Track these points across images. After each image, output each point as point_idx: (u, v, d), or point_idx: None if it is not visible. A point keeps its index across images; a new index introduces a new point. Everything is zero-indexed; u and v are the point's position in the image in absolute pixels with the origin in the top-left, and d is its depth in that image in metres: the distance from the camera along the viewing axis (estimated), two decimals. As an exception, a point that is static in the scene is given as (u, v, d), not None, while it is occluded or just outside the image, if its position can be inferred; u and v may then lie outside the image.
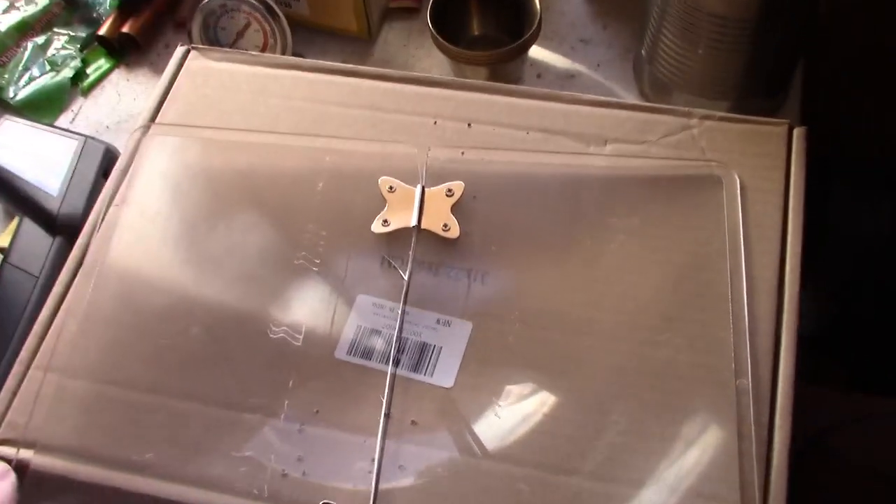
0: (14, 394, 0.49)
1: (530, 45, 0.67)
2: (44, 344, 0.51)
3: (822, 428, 0.83)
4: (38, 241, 0.62)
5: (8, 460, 0.46)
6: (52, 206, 0.64)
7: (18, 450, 0.47)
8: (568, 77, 0.71)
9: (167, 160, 0.57)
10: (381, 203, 0.53)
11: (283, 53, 0.71)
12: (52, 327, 0.51)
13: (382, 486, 0.45)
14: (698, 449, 0.45)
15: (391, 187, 0.53)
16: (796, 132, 0.54)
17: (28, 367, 0.50)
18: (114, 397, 0.49)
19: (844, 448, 0.83)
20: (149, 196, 0.56)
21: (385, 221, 0.52)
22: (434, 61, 0.73)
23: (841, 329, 0.88)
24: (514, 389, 0.47)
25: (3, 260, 0.63)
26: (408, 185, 0.53)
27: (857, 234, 0.88)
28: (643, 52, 0.66)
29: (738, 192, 0.52)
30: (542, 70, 0.72)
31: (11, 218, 0.68)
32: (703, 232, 0.51)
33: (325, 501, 0.44)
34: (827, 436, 0.83)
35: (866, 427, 0.84)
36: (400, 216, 0.52)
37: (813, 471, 0.80)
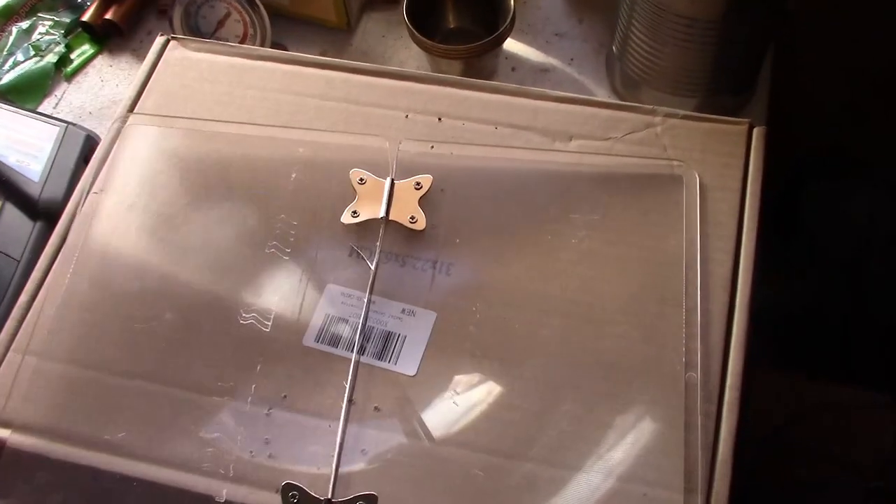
0: (-7, 375, 0.51)
1: (504, 39, 0.68)
2: (22, 327, 0.52)
3: (787, 416, 0.85)
4: (19, 226, 0.64)
5: (-15, 439, 0.48)
6: (34, 191, 0.65)
7: (-4, 429, 0.49)
8: (542, 71, 0.73)
9: (145, 149, 0.59)
10: (352, 194, 0.55)
11: (263, 44, 0.72)
12: (31, 311, 0.53)
13: (344, 469, 0.47)
14: (646, 437, 0.47)
15: (361, 179, 0.55)
16: (756, 132, 0.56)
17: (7, 350, 0.52)
18: (89, 379, 0.50)
19: (807, 436, 0.85)
20: (126, 184, 0.57)
21: (355, 213, 0.54)
22: (412, 52, 0.75)
23: (810, 319, 0.90)
24: (472, 378, 0.49)
25: (-15, 244, 0.64)
26: (378, 178, 0.55)
27: (829, 226, 0.90)
28: (614, 48, 0.68)
29: (698, 190, 0.53)
30: (516, 64, 0.73)
31: (-6, 202, 0.69)
32: (662, 228, 0.53)
33: (287, 482, 0.46)
34: (791, 424, 0.85)
35: (828, 415, 0.86)
36: (369, 208, 0.54)
37: (777, 457, 0.82)
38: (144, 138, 0.59)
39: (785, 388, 0.88)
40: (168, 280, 0.54)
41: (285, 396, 0.49)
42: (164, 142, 0.59)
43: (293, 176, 0.56)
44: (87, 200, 0.57)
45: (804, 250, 0.88)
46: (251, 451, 0.48)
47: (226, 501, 0.46)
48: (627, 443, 0.47)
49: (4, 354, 0.52)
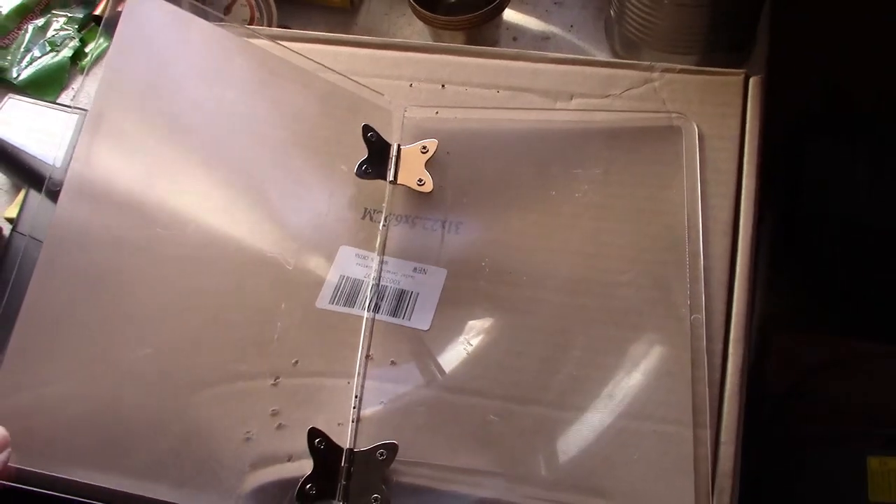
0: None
1: (504, 8, 0.69)
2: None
3: (803, 371, 0.86)
4: (44, 211, 0.66)
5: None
6: (57, 177, 0.67)
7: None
8: (543, 39, 0.74)
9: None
10: (363, 147, 0.56)
11: (270, 24, 0.74)
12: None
13: (364, 419, 0.49)
14: (654, 377, 0.48)
15: (371, 135, 0.56)
16: (752, 81, 0.57)
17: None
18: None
19: (824, 390, 0.85)
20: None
21: (367, 169, 0.55)
22: (415, 28, 0.76)
23: (825, 274, 0.91)
24: (484, 330, 0.51)
25: (13, 229, 0.67)
26: (386, 139, 0.56)
27: (834, 179, 0.90)
28: (612, 12, 0.69)
29: (697, 140, 0.55)
30: (517, 33, 0.75)
31: (18, 190, 0.72)
32: (663, 179, 0.54)
33: (313, 427, 0.47)
34: (807, 378, 0.86)
35: (847, 370, 0.86)
36: (378, 167, 0.56)
37: (794, 411, 0.83)
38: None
39: (798, 347, 0.89)
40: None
41: (296, 362, 0.51)
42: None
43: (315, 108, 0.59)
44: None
45: (807, 208, 0.89)
46: (247, 432, 0.49)
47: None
48: (636, 383, 0.48)
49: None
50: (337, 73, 0.58)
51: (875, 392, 0.84)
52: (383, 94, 0.58)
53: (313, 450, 0.47)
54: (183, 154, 0.57)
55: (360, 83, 0.59)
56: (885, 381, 0.86)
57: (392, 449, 0.47)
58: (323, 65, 0.59)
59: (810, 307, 0.89)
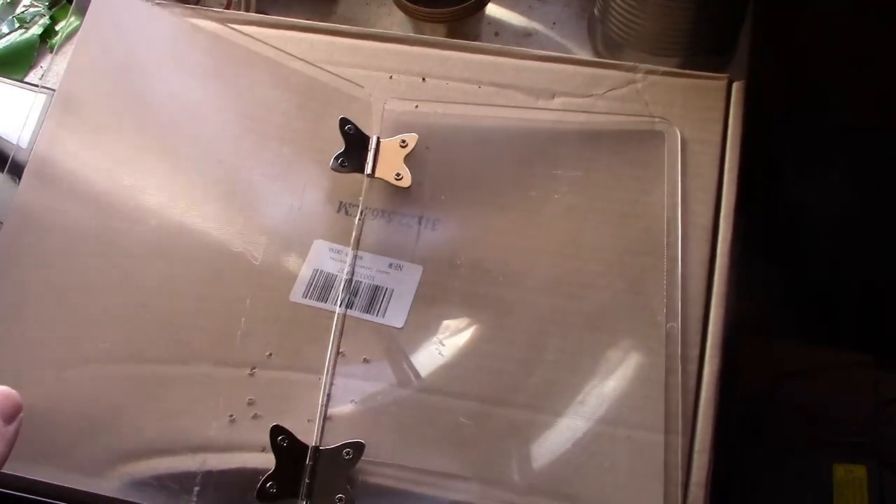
0: None
1: (486, 3, 0.68)
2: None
3: (773, 378, 0.86)
4: (6, 191, 0.64)
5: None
6: (22, 158, 0.65)
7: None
8: (525, 35, 0.73)
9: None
10: (340, 142, 0.55)
11: (248, 9, 0.73)
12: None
13: (332, 417, 0.48)
14: (628, 383, 0.48)
15: (349, 128, 0.55)
16: (735, 86, 0.56)
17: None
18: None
19: (793, 396, 0.86)
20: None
21: (342, 162, 0.54)
22: (395, 20, 0.75)
23: (796, 281, 0.91)
24: (459, 329, 0.50)
25: (-26, 211, 0.65)
26: (364, 132, 0.55)
27: (813, 185, 0.91)
28: (596, 11, 0.68)
29: (679, 144, 0.54)
30: (499, 28, 0.74)
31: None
32: (644, 182, 0.53)
33: (276, 425, 0.46)
34: (777, 385, 0.86)
35: (814, 377, 0.87)
36: (356, 160, 0.54)
37: (762, 417, 0.83)
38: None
39: (769, 353, 0.89)
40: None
41: (270, 354, 0.50)
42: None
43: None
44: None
45: (782, 214, 0.89)
46: (231, 415, 0.48)
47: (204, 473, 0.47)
48: (610, 388, 0.48)
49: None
50: (314, 65, 0.57)
51: (842, 401, 0.85)
52: (363, 87, 0.57)
53: (276, 447, 0.46)
54: (151, 143, 0.56)
55: (338, 75, 0.58)
56: (852, 389, 0.86)
57: (359, 448, 0.46)
58: (299, 58, 0.58)
59: (780, 314, 0.89)
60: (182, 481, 0.47)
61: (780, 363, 0.90)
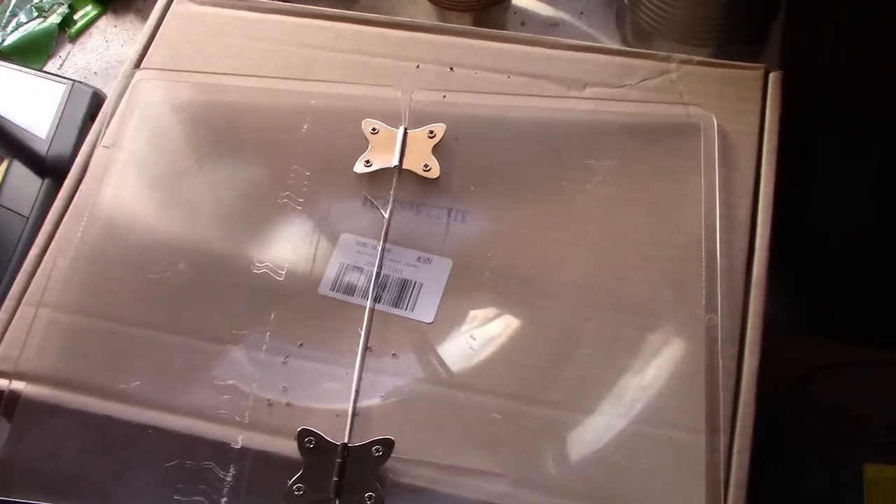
0: (5, 328, 0.51)
1: (514, -8, 0.67)
2: (34, 280, 0.52)
3: (801, 374, 0.84)
4: (27, 183, 0.63)
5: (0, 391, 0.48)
6: (41, 148, 0.64)
7: (11, 381, 0.48)
8: (551, 25, 0.72)
9: (154, 103, 0.58)
10: (365, 144, 0.54)
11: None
12: (42, 264, 0.52)
13: (361, 414, 0.46)
14: (667, 380, 0.46)
15: (374, 129, 0.54)
16: (772, 76, 0.55)
17: (19, 303, 0.51)
18: (102, 330, 0.50)
19: (821, 393, 0.84)
20: (137, 138, 0.56)
21: (367, 162, 0.53)
22: (420, 8, 0.74)
23: (824, 276, 0.89)
24: (490, 324, 0.49)
25: (-7, 202, 0.64)
26: (390, 127, 0.54)
27: (842, 180, 0.89)
28: (625, -1, 0.67)
29: (716, 134, 0.53)
30: (525, 18, 0.72)
31: (0, 161, 0.69)
32: (680, 173, 0.52)
33: (302, 428, 0.45)
34: (805, 382, 0.85)
35: (843, 374, 0.85)
36: (382, 157, 0.53)
37: (790, 414, 0.82)
38: (153, 93, 0.58)
39: (797, 350, 0.88)
40: (180, 231, 0.53)
41: (301, 345, 0.49)
42: (172, 96, 0.58)
43: (305, 127, 0.56)
44: (95, 155, 0.56)
45: (811, 208, 0.88)
46: (268, 400, 0.47)
47: (242, 448, 0.46)
48: (648, 386, 0.46)
49: (17, 307, 0.51)
50: (337, 82, 0.58)
51: (872, 399, 0.83)
52: (390, 85, 0.56)
53: (303, 450, 0.45)
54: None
55: (363, 85, 0.57)
56: (883, 388, 0.84)
57: (388, 445, 0.45)
58: (318, 79, 0.58)
59: (809, 310, 0.88)
60: (219, 457, 0.46)
61: (805, 361, 0.88)
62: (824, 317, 0.89)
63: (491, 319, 0.49)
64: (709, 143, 0.52)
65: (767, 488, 0.77)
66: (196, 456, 0.46)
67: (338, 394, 0.47)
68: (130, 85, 0.58)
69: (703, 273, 0.48)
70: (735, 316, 0.48)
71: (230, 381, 0.48)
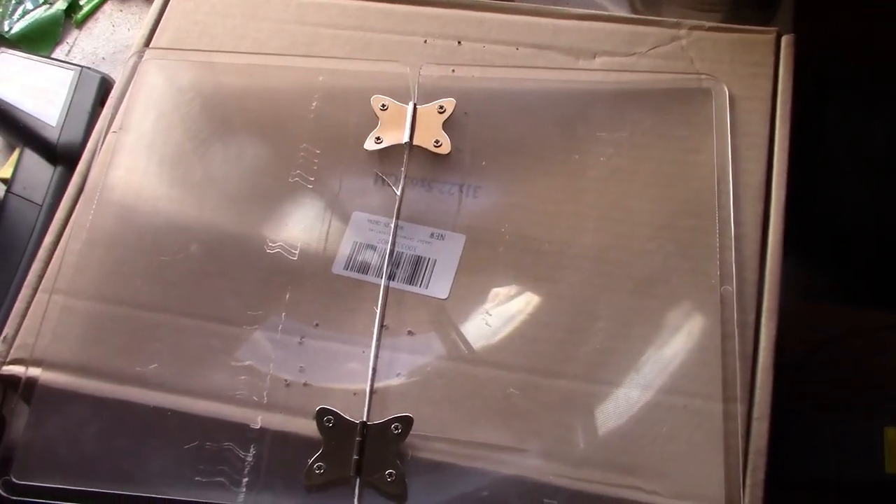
0: (23, 316, 0.50)
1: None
2: (49, 268, 0.52)
3: (818, 341, 0.84)
4: (39, 171, 0.63)
5: (17, 378, 0.48)
6: (52, 135, 0.64)
7: (27, 368, 0.48)
8: (559, -5, 0.71)
9: (162, 85, 0.58)
10: (374, 121, 0.54)
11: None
12: (56, 252, 0.52)
13: (379, 392, 0.46)
14: (683, 350, 0.46)
15: (383, 105, 0.54)
16: (784, 40, 0.54)
17: (35, 291, 0.51)
18: (117, 315, 0.50)
19: (838, 359, 0.84)
20: (145, 121, 0.56)
21: (378, 139, 0.53)
22: (426, -18, 0.73)
23: (836, 242, 0.89)
24: (505, 299, 0.49)
25: (7, 190, 0.64)
26: (400, 103, 0.54)
27: (854, 144, 0.88)
28: (634, -34, 0.66)
29: (727, 101, 0.52)
30: (532, -12, 0.72)
31: (13, 150, 0.69)
32: (692, 142, 0.52)
33: (321, 407, 0.45)
34: (822, 348, 0.84)
35: (860, 340, 0.85)
36: (392, 133, 0.53)
37: (805, 382, 0.81)
38: (160, 74, 0.58)
39: (812, 317, 0.87)
40: (192, 213, 0.53)
41: (317, 324, 0.49)
42: (180, 77, 0.58)
43: (314, 105, 0.55)
44: (105, 140, 0.56)
45: (826, 177, 0.87)
46: (286, 380, 0.47)
47: (261, 429, 0.46)
48: (664, 356, 0.46)
49: (33, 295, 0.51)
50: (342, 59, 0.57)
51: (890, 364, 0.83)
52: (397, 61, 0.56)
53: (322, 429, 0.45)
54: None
55: (371, 61, 0.57)
56: (896, 353, 0.84)
57: (407, 422, 0.45)
58: (324, 56, 0.58)
59: (824, 276, 0.87)
60: (239, 437, 0.46)
61: (822, 327, 0.88)
62: (839, 283, 0.89)
63: (506, 294, 0.49)
64: (720, 110, 0.52)
65: (787, 455, 0.77)
66: (216, 437, 0.46)
67: (355, 372, 0.47)
68: (138, 66, 0.58)
69: (718, 242, 0.48)
70: (752, 284, 0.47)
71: (247, 363, 0.48)
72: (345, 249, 0.51)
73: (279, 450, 0.46)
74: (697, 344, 0.46)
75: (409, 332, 0.48)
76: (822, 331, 0.86)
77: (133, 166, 0.55)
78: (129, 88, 0.57)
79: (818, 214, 0.87)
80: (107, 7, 0.78)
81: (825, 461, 0.75)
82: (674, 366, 0.46)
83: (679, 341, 0.46)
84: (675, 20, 0.56)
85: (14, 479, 0.45)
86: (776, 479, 0.45)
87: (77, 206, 0.54)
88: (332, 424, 0.45)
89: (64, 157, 0.64)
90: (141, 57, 0.58)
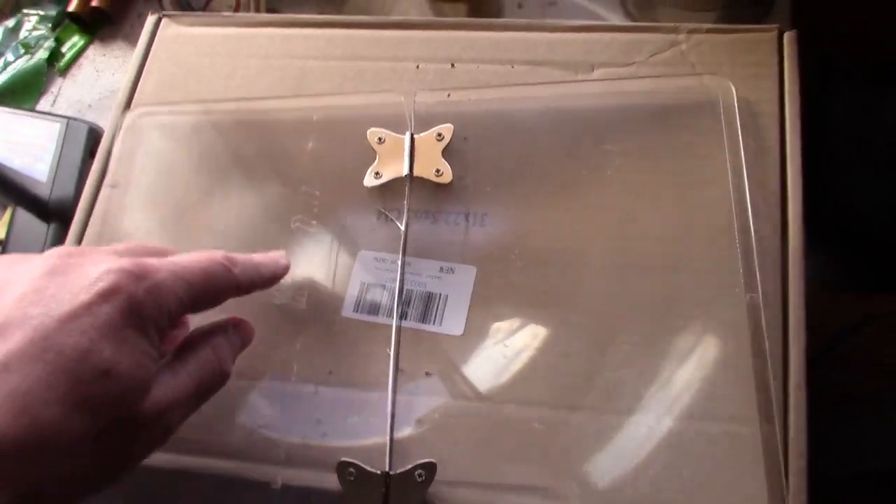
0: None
1: (507, -25, 0.65)
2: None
3: (833, 333, 0.83)
4: (33, 229, 0.62)
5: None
6: (43, 192, 0.63)
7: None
8: (550, 4, 0.69)
9: (152, 138, 0.56)
10: (372, 155, 0.52)
11: (258, 10, 0.70)
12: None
13: (399, 439, 0.45)
14: (712, 371, 0.44)
15: (380, 138, 0.52)
16: (787, 36, 0.52)
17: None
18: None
19: (853, 349, 0.82)
20: (140, 175, 0.55)
21: (377, 174, 0.51)
22: (412, 2, 0.71)
23: (845, 230, 0.87)
24: (522, 330, 0.47)
25: (2, 251, 0.62)
26: (397, 135, 0.52)
27: (860, 132, 0.87)
28: (624, -32, 0.64)
29: (735, 103, 0.50)
30: (522, -1, 0.70)
31: (5, 209, 0.67)
32: (702, 148, 0.50)
33: (343, 460, 0.44)
34: (837, 340, 0.83)
35: (874, 326, 0.83)
36: (391, 167, 0.51)
37: (828, 372, 0.80)
38: (151, 127, 0.57)
39: (833, 305, 0.86)
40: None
41: (331, 372, 0.47)
42: (170, 127, 0.56)
43: (310, 145, 0.54)
44: (101, 196, 0.54)
45: (833, 167, 0.85)
46: (303, 434, 0.46)
47: (282, 486, 0.44)
48: (693, 379, 0.44)
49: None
50: (334, 94, 0.56)
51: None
52: (391, 90, 0.54)
53: (344, 483, 0.44)
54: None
55: (364, 93, 0.55)
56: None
57: (431, 468, 0.43)
58: (315, 94, 0.56)
59: (834, 266, 0.86)
60: (260, 497, 0.45)
61: (845, 315, 0.86)
62: (850, 271, 0.87)
63: (523, 325, 0.47)
64: (729, 113, 0.50)
65: (823, 452, 0.75)
66: (236, 498, 0.45)
67: (374, 421, 0.45)
68: (127, 122, 0.57)
69: (738, 251, 0.46)
70: (774, 295, 0.46)
71: (262, 419, 0.46)
72: (353, 291, 0.49)
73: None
74: (726, 362, 0.44)
75: (427, 374, 0.47)
76: (838, 321, 0.84)
77: (129, 222, 0.53)
78: (120, 141, 0.56)
79: (827, 206, 0.85)
80: (89, 52, 0.76)
81: (860, 455, 0.74)
82: (703, 388, 0.44)
83: (707, 361, 0.44)
84: (673, 25, 0.54)
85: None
86: (815, 477, 0.44)
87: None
88: (353, 478, 0.44)
89: (56, 213, 0.62)
90: (126, 111, 0.57)
